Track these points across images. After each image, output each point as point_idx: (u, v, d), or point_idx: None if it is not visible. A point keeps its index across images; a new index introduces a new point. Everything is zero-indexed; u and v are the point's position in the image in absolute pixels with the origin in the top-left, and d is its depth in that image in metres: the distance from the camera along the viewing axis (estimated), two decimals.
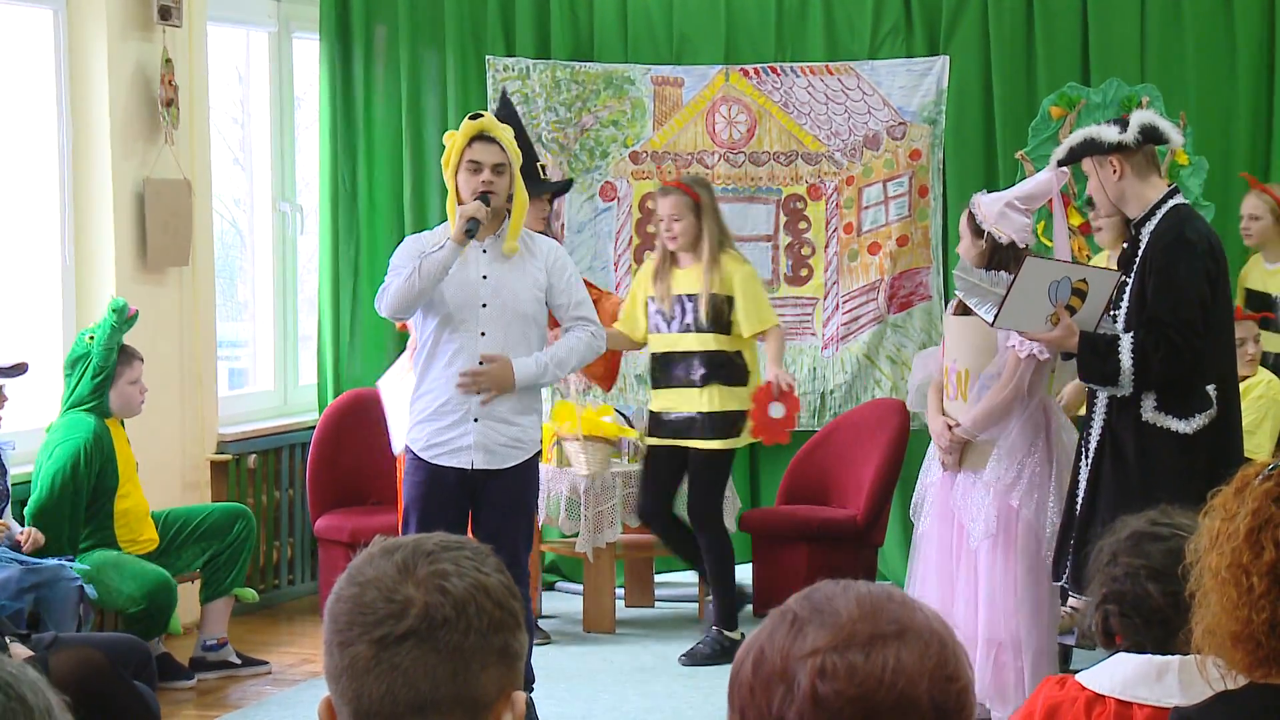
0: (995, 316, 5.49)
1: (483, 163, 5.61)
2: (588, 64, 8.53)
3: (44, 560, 6.18)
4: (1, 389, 6.14)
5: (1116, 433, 5.42)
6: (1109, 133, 5.46)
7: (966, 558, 5.81)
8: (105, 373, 6.50)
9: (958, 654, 1.58)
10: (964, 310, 5.87)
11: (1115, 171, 5.42)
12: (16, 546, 6.13)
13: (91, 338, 6.55)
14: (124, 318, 6.53)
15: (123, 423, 6.81)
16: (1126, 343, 5.31)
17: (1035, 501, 5.78)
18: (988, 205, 5.89)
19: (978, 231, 5.86)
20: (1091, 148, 5.46)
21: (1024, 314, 5.42)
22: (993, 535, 5.72)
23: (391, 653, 1.69)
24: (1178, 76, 8.09)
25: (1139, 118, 5.52)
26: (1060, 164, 5.68)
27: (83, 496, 6.41)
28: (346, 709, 1.72)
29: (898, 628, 1.56)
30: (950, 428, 5.82)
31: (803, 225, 8.54)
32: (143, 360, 6.65)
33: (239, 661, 6.88)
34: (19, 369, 6.19)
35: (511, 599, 1.75)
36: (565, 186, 7.72)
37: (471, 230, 5.55)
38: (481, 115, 5.69)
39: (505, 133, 5.68)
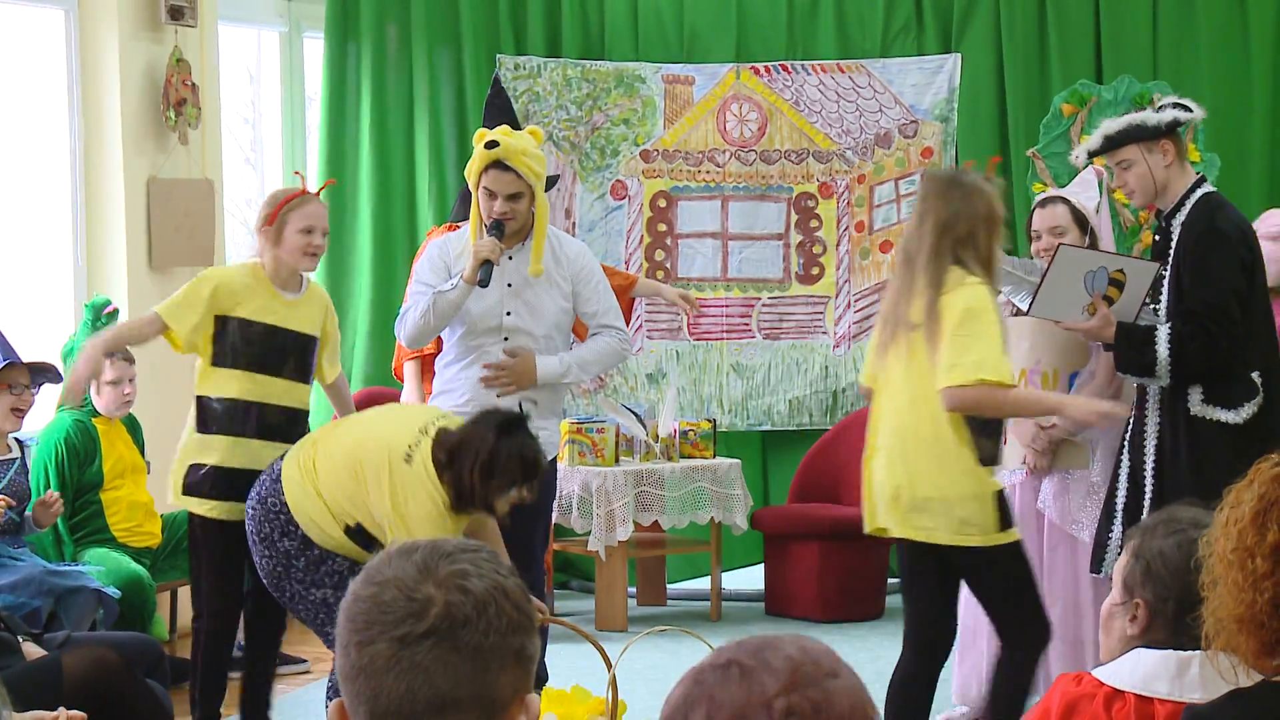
0: (1030, 305, 5.48)
1: (497, 192, 5.55)
2: (598, 62, 8.53)
3: (66, 565, 6.22)
4: (28, 390, 6.15)
5: (1167, 430, 5.38)
6: (1155, 116, 5.44)
7: (1063, 559, 5.72)
8: None
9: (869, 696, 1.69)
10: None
11: (1165, 155, 5.41)
12: (25, 527, 6.16)
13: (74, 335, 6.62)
14: (99, 315, 6.54)
15: (136, 422, 6.83)
16: (1164, 333, 5.29)
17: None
18: (1085, 199, 5.88)
19: (1083, 225, 5.83)
20: (1141, 132, 5.42)
21: (1060, 303, 5.41)
22: None
23: (412, 651, 1.69)
24: (1190, 73, 8.08)
25: (1168, 100, 5.55)
26: (1093, 154, 5.62)
27: (60, 494, 6.43)
28: (363, 709, 1.71)
29: (833, 668, 1.64)
30: (1043, 428, 5.70)
31: (814, 224, 8.53)
32: (130, 361, 6.63)
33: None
34: (47, 371, 6.21)
35: (527, 603, 1.76)
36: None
37: (485, 278, 5.50)
38: (497, 144, 5.52)
39: (522, 158, 5.51)
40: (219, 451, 5.42)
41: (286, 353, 5.48)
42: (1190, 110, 5.50)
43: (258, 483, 5.15)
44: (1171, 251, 5.41)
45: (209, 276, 5.47)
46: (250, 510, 5.11)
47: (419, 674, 1.69)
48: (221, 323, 5.42)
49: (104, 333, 5.45)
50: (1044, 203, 5.94)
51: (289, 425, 5.50)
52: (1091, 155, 5.63)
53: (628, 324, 6.70)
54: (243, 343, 5.42)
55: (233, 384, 5.41)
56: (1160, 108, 5.51)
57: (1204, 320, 5.25)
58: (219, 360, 5.43)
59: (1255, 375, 5.32)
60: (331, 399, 5.91)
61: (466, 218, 5.76)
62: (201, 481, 5.44)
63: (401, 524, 4.83)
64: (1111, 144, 5.47)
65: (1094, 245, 5.78)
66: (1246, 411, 5.29)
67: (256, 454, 5.41)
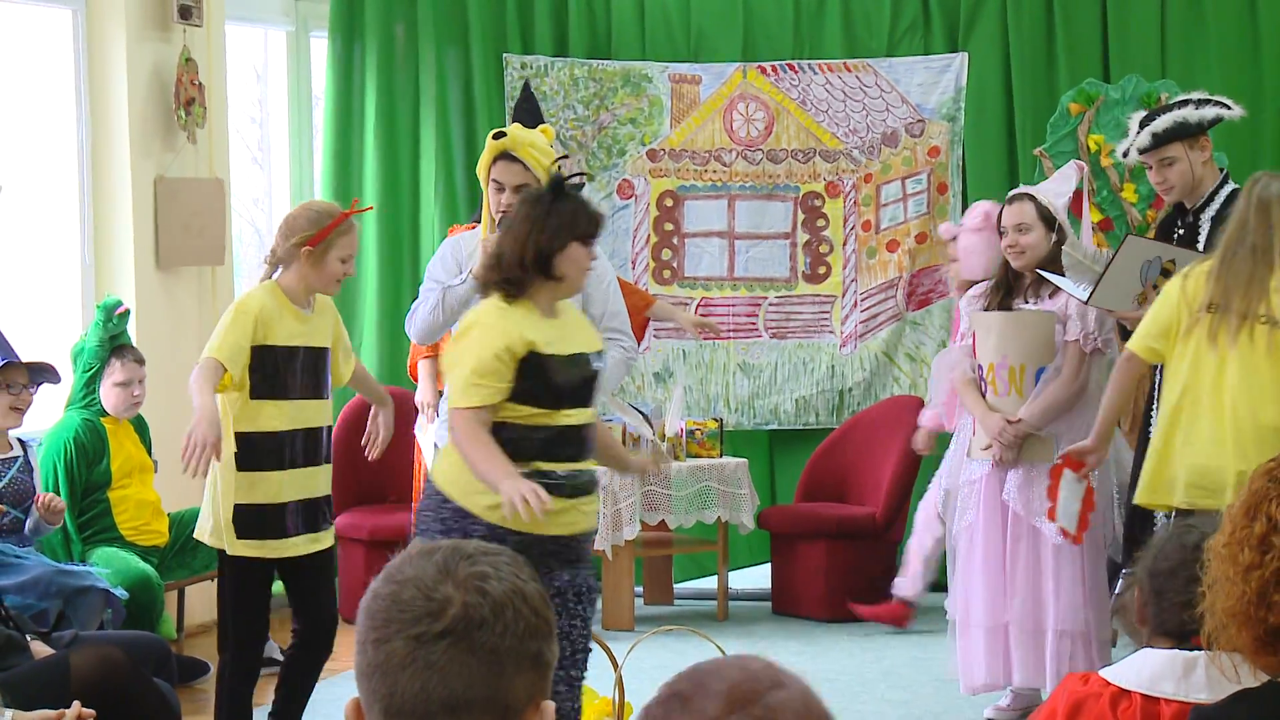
0: (1091, 295, 5.54)
1: (504, 184, 5.55)
2: (605, 62, 8.53)
3: (74, 565, 6.23)
4: (27, 389, 6.17)
5: None
6: (1195, 113, 5.53)
7: (1026, 550, 5.84)
8: (93, 371, 6.56)
9: (822, 701, 1.69)
10: (1004, 305, 5.90)
11: (1204, 151, 5.52)
12: (38, 529, 6.18)
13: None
14: (111, 316, 6.55)
15: (143, 422, 6.84)
16: None
17: (1102, 494, 5.86)
18: (1055, 198, 5.94)
19: (1050, 223, 5.88)
20: (1185, 130, 5.52)
21: (1116, 293, 5.51)
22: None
23: (427, 650, 1.69)
24: (1200, 71, 8.07)
25: (1197, 96, 5.64)
26: (1142, 152, 5.70)
27: (67, 494, 6.46)
28: (377, 706, 1.72)
29: (775, 681, 1.64)
30: (1011, 422, 5.81)
31: (821, 223, 8.53)
32: (141, 362, 6.63)
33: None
34: (48, 371, 6.22)
35: (546, 608, 1.76)
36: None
37: None
38: (504, 134, 5.48)
39: (530, 150, 5.45)
40: (271, 487, 5.09)
41: (313, 372, 5.20)
42: (1230, 108, 5.60)
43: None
44: (1200, 244, 5.50)
45: (247, 309, 5.05)
46: (422, 529, 4.66)
47: (433, 673, 1.69)
48: (258, 353, 5.03)
49: (203, 401, 4.87)
50: (1011, 200, 6.04)
51: (326, 446, 5.24)
52: (1141, 153, 5.70)
53: (640, 343, 6.73)
54: (280, 371, 5.07)
55: (278, 415, 5.07)
56: (1199, 104, 5.59)
57: None
58: (260, 392, 5.06)
59: None
60: (360, 390, 5.65)
61: None
62: (258, 521, 5.08)
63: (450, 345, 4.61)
64: (1159, 141, 5.57)
65: (1061, 241, 5.85)
66: None
67: (303, 482, 5.15)
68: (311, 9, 8.50)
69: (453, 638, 1.69)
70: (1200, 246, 5.55)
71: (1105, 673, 2.76)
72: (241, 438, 5.06)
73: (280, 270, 5.18)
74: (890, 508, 7.77)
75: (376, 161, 8.40)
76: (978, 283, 6.98)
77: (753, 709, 1.61)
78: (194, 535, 5.43)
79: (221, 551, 5.17)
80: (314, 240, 5.10)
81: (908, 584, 7.32)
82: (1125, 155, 5.89)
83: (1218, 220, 5.47)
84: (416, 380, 7.03)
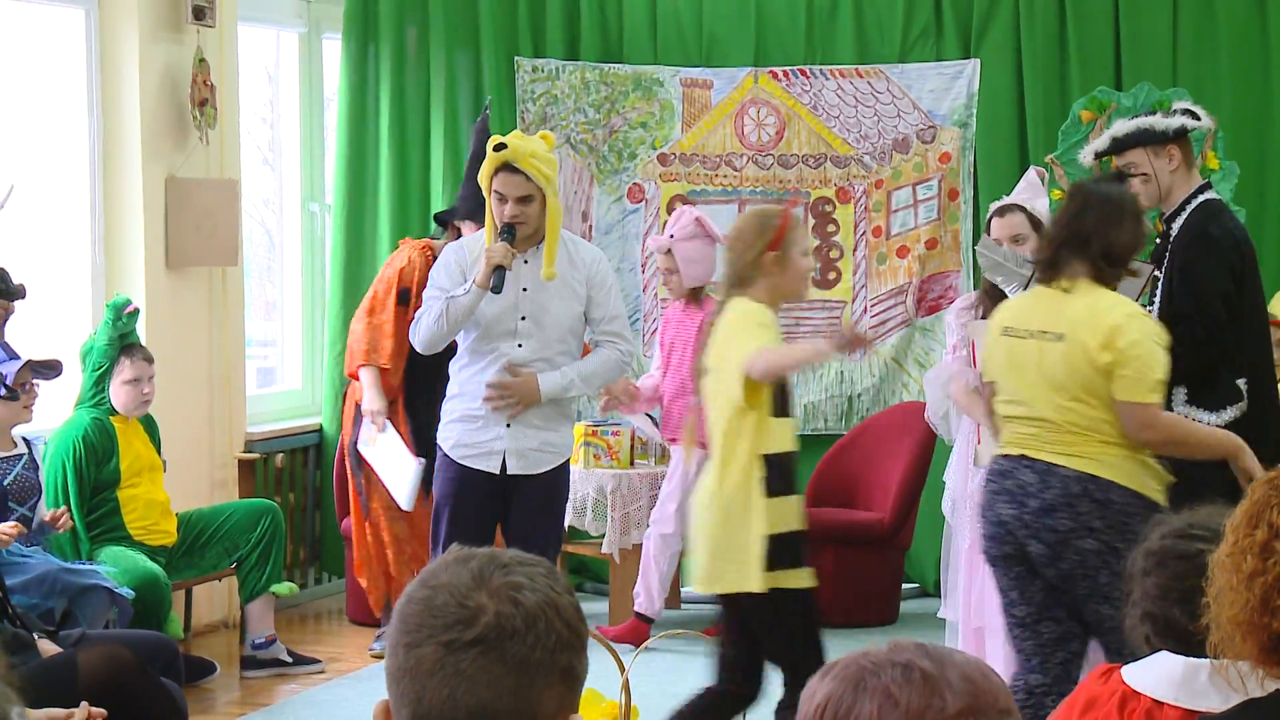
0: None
1: (507, 195, 5.55)
2: (617, 65, 8.53)
3: (80, 564, 6.24)
4: (33, 385, 6.19)
5: None
6: (1164, 122, 5.50)
7: None
8: (102, 370, 6.58)
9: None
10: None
11: (1172, 160, 5.47)
12: (43, 529, 6.19)
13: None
14: (120, 314, 6.57)
15: (153, 421, 6.84)
16: None
17: None
18: (1040, 206, 5.96)
19: (1040, 230, 5.90)
20: (1149, 137, 5.48)
21: None
22: None
23: (457, 657, 1.69)
24: (1210, 80, 8.06)
25: (1180, 106, 5.60)
26: (1100, 155, 5.68)
27: (76, 493, 6.46)
28: (405, 711, 1.72)
29: (1008, 705, 1.65)
30: None
31: (831, 228, 8.53)
32: (150, 360, 6.64)
33: (290, 660, 6.90)
34: (53, 368, 6.24)
35: (580, 621, 1.75)
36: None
37: (497, 284, 5.51)
38: (505, 145, 5.50)
39: (531, 160, 5.48)
40: (798, 513, 4.79)
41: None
42: (1199, 118, 5.56)
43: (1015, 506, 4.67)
44: (1168, 254, 5.48)
45: (764, 319, 4.72)
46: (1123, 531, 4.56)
47: (462, 681, 1.69)
48: None
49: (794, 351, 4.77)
50: (1001, 211, 6.04)
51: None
52: (1099, 156, 5.68)
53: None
54: (788, 385, 4.80)
55: (788, 434, 4.78)
56: (1170, 113, 5.56)
57: (1192, 323, 5.30)
58: (776, 409, 4.74)
59: (1241, 382, 5.37)
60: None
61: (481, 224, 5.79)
62: (793, 550, 4.79)
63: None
64: (1119, 146, 5.53)
65: None
66: (1228, 415, 5.33)
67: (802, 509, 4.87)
68: (324, 11, 8.51)
69: (483, 646, 1.69)
70: (1168, 256, 5.49)
71: (1126, 670, 2.78)
72: (767, 460, 4.72)
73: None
74: (898, 514, 7.77)
75: (388, 164, 8.41)
76: (699, 290, 7.13)
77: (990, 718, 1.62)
78: (693, 588, 5.15)
79: (752, 596, 4.75)
80: (774, 243, 4.79)
81: (647, 602, 7.46)
82: (1085, 159, 5.89)
83: (1182, 231, 5.44)
84: (357, 379, 7.13)
